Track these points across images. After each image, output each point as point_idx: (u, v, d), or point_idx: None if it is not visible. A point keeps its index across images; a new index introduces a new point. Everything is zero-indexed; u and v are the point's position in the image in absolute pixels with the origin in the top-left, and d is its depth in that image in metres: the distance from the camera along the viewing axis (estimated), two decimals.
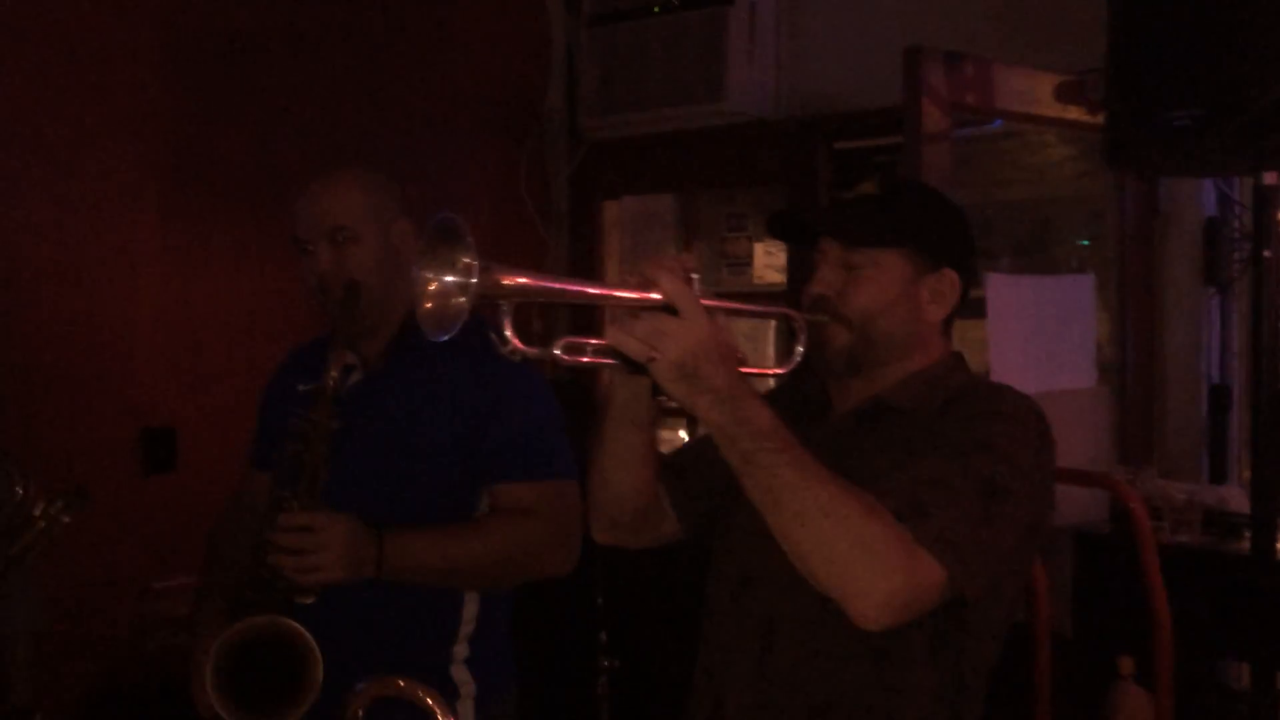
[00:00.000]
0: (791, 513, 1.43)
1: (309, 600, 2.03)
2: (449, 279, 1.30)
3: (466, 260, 1.28)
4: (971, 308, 3.34)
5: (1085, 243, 4.10)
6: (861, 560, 1.41)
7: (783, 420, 1.51)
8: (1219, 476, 3.29)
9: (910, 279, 1.65)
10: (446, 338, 1.31)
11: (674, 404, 1.46)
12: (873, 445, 1.63)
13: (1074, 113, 3.23)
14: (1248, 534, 2.76)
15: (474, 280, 1.27)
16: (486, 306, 1.32)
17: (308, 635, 1.98)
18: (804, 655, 1.59)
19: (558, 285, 1.37)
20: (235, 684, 1.99)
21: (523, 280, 1.31)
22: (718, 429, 1.43)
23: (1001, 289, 3.15)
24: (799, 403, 1.73)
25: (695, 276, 1.43)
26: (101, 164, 3.50)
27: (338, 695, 1.99)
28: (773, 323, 4.41)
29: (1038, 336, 3.21)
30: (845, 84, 3.91)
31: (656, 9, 4.19)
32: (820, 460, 1.48)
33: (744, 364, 1.48)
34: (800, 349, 1.62)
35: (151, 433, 3.58)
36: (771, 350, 4.46)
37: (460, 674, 2.19)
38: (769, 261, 4.47)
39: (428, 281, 1.32)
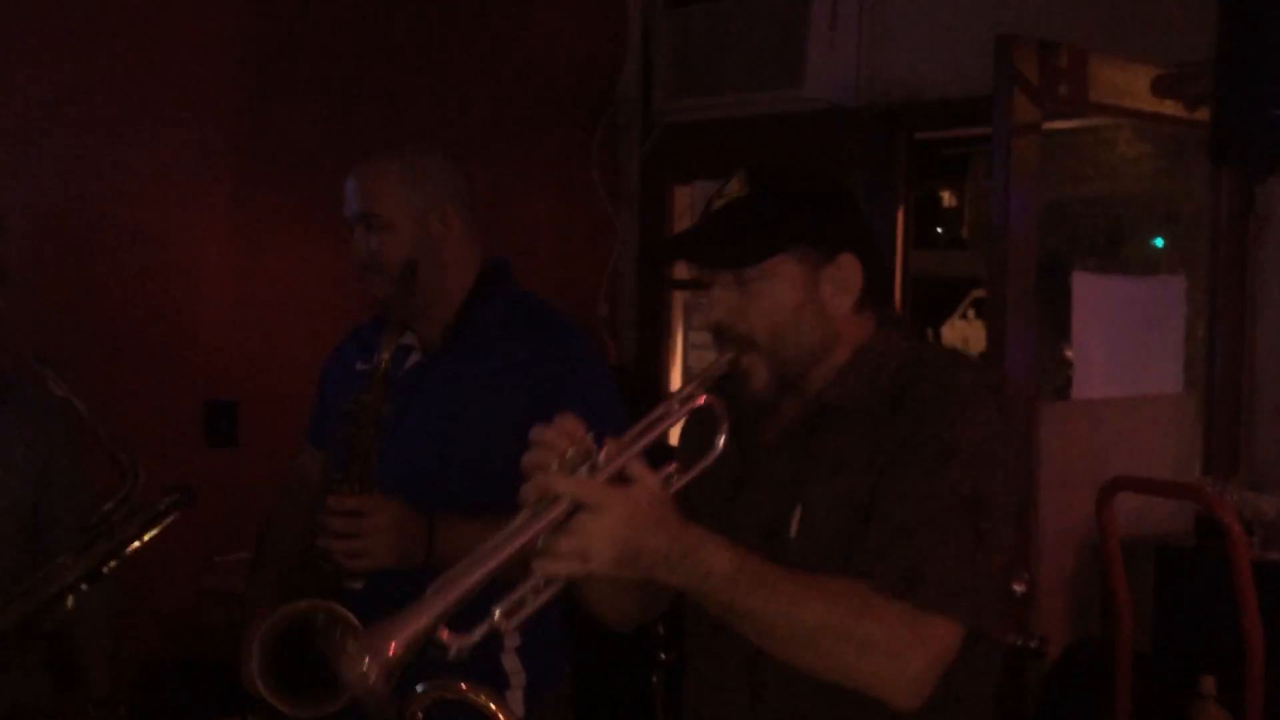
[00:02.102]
0: (790, 643, 1.40)
1: (357, 585, 2.01)
2: (363, 676, 1.26)
3: (360, 657, 1.24)
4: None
5: (1159, 242, 3.99)
6: (875, 662, 1.39)
7: (731, 439, 1.45)
8: None
9: (807, 279, 1.54)
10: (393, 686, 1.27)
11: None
12: (829, 456, 1.53)
13: (1170, 107, 3.12)
14: None
15: (380, 668, 1.24)
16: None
17: (354, 620, 1.95)
18: (794, 695, 1.52)
19: (468, 579, 1.29)
20: (281, 667, 1.97)
21: (421, 623, 1.25)
22: (685, 590, 1.38)
23: (1088, 289, 3.06)
24: (738, 415, 1.59)
25: (589, 439, 1.37)
26: (173, 138, 3.50)
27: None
28: None
29: (1124, 338, 3.11)
30: (928, 72, 3.81)
31: None
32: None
33: (674, 478, 1.42)
34: (722, 439, 1.47)
35: (214, 405, 3.57)
36: None
37: (511, 663, 2.16)
38: None
39: (350, 681, 1.27)
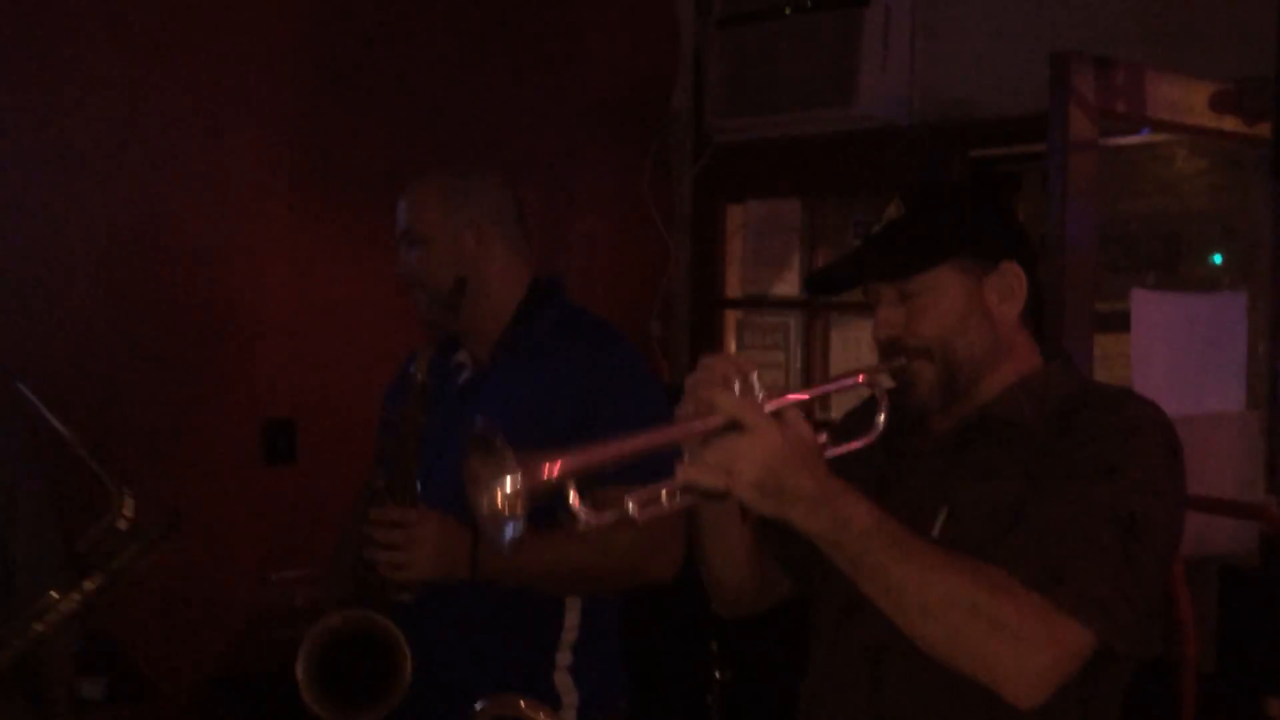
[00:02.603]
0: (916, 610, 1.37)
1: (406, 598, 2.03)
2: (496, 489, 1.28)
3: (506, 465, 1.26)
4: (1117, 321, 3.25)
5: (1217, 259, 3.94)
6: (1001, 645, 1.35)
7: (880, 444, 1.45)
8: None
9: (972, 288, 1.56)
10: (516, 536, 1.28)
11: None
12: (981, 465, 1.53)
13: (1230, 123, 3.07)
14: None
15: (518, 485, 1.25)
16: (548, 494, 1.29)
17: (396, 631, 1.98)
18: (916, 689, 1.51)
19: (614, 448, 1.32)
20: (328, 677, 2.00)
21: (570, 464, 1.27)
22: (818, 537, 1.37)
23: (1147, 306, 3.02)
24: (893, 422, 1.62)
25: (754, 375, 1.38)
26: (232, 156, 3.55)
27: (444, 700, 1.97)
28: None
29: (1185, 356, 3.07)
30: (983, 89, 3.78)
31: (788, 10, 4.09)
32: (926, 491, 1.43)
33: (827, 448, 1.42)
34: (881, 417, 1.52)
35: (273, 423, 3.61)
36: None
37: (563, 682, 2.15)
38: None
39: (481, 496, 1.29)
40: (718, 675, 3.50)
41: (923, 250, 1.56)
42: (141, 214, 3.43)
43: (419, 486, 2.21)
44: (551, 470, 1.26)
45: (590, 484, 2.07)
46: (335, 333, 3.70)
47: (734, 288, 4.60)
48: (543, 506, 2.07)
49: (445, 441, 2.21)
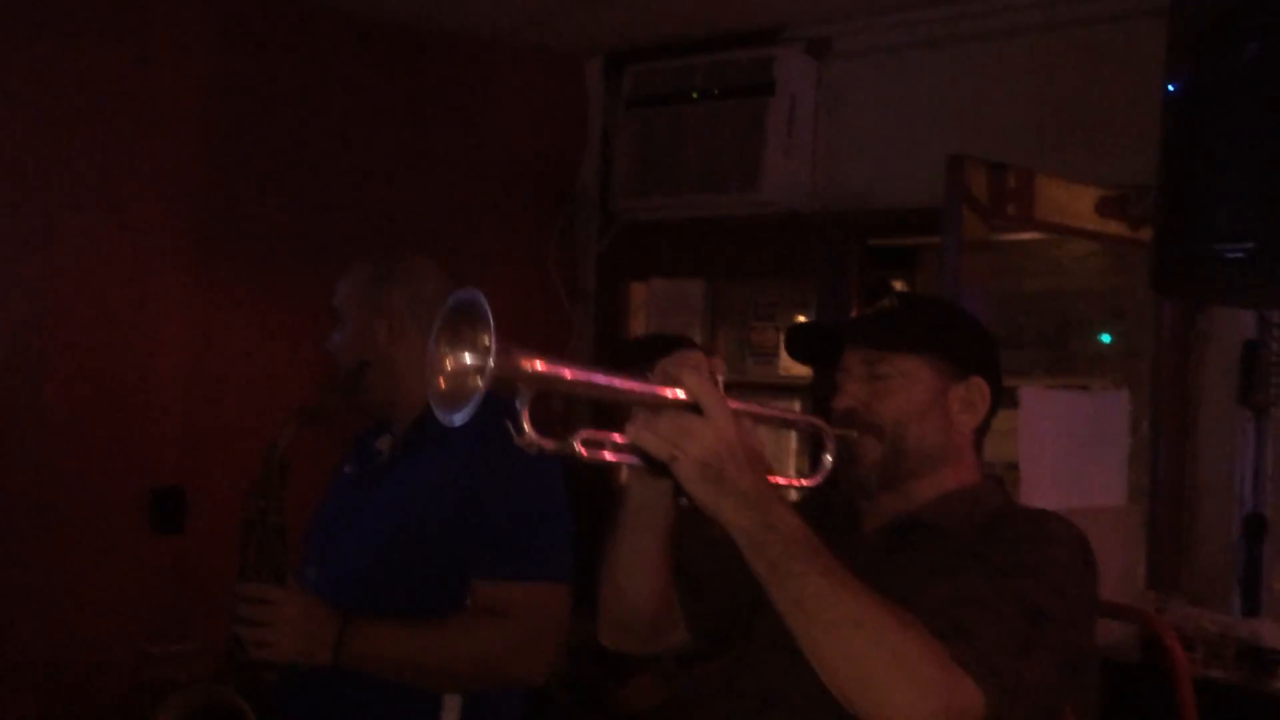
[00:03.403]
0: (822, 624, 1.36)
1: (271, 677, 2.01)
2: (466, 359, 1.26)
3: (486, 341, 1.23)
4: (1006, 398, 3.32)
5: (1105, 338, 4.06)
6: (897, 678, 1.35)
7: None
8: (1252, 609, 3.21)
9: (939, 388, 1.62)
10: (459, 419, 1.25)
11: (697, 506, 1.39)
12: (908, 563, 1.56)
13: (1114, 227, 3.21)
14: None
15: (491, 363, 1.22)
16: (505, 391, 1.27)
17: (245, 706, 1.97)
18: None
19: (580, 376, 1.31)
20: None
21: (543, 367, 1.26)
22: (743, 534, 1.37)
23: (1034, 402, 3.10)
24: (824, 516, 1.66)
25: (721, 378, 1.39)
26: (131, 223, 3.51)
27: None
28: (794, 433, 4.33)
29: (1069, 451, 3.15)
30: (882, 181, 3.89)
31: (695, 95, 4.19)
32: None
33: (771, 473, 1.43)
34: (829, 458, 1.56)
35: (161, 491, 3.53)
36: (793, 460, 4.38)
37: None
38: None
39: (444, 359, 1.28)
40: None
41: (906, 335, 1.63)
42: (36, 276, 3.36)
43: (315, 567, 2.19)
44: (527, 364, 1.25)
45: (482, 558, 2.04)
46: (231, 402, 3.64)
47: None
48: (438, 595, 2.07)
49: (346, 524, 2.19)
